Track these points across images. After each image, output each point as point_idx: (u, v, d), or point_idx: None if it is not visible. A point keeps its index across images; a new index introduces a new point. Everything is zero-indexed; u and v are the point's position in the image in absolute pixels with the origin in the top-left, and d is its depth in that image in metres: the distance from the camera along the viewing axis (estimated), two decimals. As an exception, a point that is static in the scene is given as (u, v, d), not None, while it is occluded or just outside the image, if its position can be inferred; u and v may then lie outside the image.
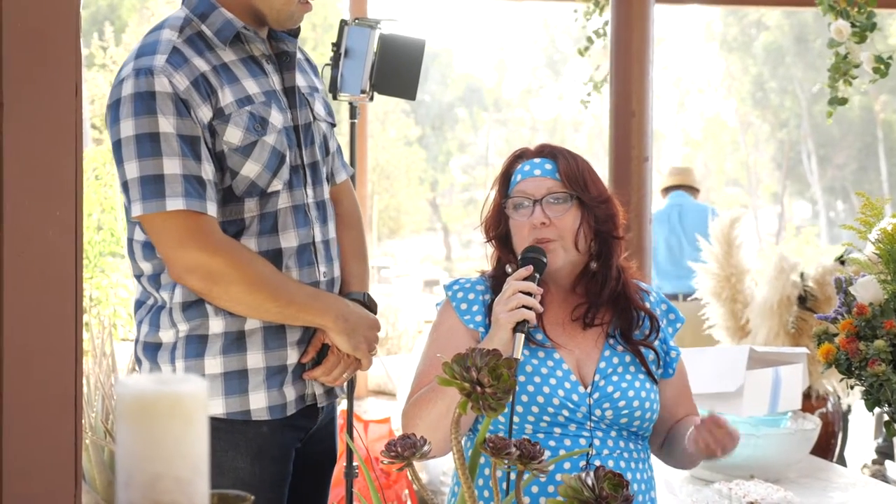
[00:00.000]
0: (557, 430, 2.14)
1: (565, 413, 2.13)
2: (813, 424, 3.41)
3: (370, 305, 2.29)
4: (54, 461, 1.68)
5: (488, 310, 2.22)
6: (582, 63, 6.29)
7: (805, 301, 4.51)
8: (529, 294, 2.07)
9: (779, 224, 32.10)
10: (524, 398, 2.13)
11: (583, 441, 2.13)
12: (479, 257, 34.91)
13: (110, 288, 8.18)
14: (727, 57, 34.27)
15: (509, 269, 2.21)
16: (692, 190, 6.94)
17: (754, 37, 32.46)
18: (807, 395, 4.37)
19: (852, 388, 2.40)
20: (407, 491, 4.29)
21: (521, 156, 2.31)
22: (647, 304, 2.30)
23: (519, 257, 2.19)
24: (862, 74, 4.27)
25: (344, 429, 2.95)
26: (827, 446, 4.47)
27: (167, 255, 2.05)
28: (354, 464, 2.95)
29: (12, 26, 1.63)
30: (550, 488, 2.08)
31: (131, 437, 0.80)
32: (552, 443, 2.12)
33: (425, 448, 1.57)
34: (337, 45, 2.94)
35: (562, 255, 2.20)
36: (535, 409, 2.13)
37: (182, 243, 2.01)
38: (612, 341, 2.23)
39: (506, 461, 1.51)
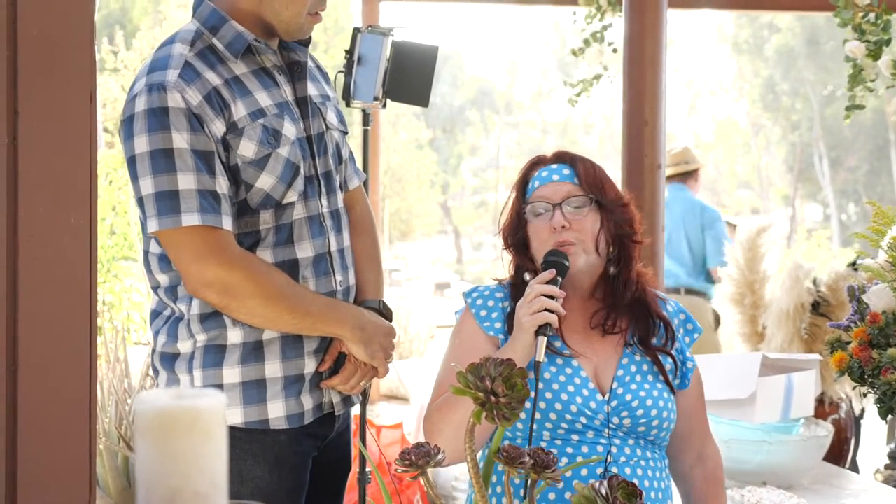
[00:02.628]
0: (575, 437, 2.14)
1: (583, 421, 2.13)
2: (826, 431, 3.40)
3: (385, 313, 2.29)
4: (69, 466, 1.69)
5: (508, 317, 2.22)
6: (585, 57, 6.25)
7: (818, 307, 4.49)
8: (552, 297, 2.08)
9: (790, 227, 32.00)
10: (542, 405, 2.13)
11: (600, 448, 2.13)
12: (490, 260, 34.93)
13: (124, 292, 8.19)
14: (739, 59, 34.19)
15: (528, 278, 2.21)
16: (688, 176, 6.34)
17: (766, 39, 32.39)
18: (819, 402, 4.36)
19: (865, 395, 2.39)
20: (419, 495, 4.29)
21: (537, 163, 2.31)
22: (664, 313, 2.30)
23: (541, 261, 2.19)
24: (880, 77, 4.30)
25: (356, 434, 2.95)
26: (840, 452, 4.45)
27: (184, 270, 2.05)
28: (367, 469, 2.95)
29: (27, 35, 1.64)
30: (568, 495, 2.08)
31: (150, 452, 0.80)
32: (570, 450, 2.12)
33: (439, 456, 1.57)
34: (350, 53, 2.95)
35: (583, 258, 2.20)
36: (552, 416, 2.13)
37: (198, 258, 2.01)
38: (630, 348, 2.23)
39: (519, 470, 1.51)
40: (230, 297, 2.04)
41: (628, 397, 2.16)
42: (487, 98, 37.31)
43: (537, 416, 2.12)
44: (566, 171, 2.24)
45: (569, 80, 6.51)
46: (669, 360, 2.24)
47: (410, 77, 2.97)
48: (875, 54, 4.13)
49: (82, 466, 1.70)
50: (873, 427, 6.22)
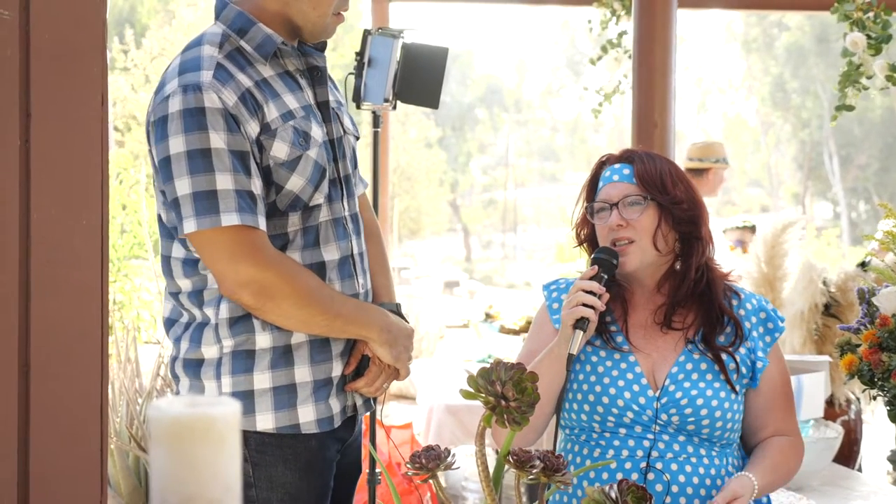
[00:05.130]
0: (623, 430, 2.18)
1: (630, 415, 2.17)
2: (835, 433, 3.40)
3: (402, 316, 2.31)
4: (80, 466, 1.70)
5: None
6: (602, 65, 6.20)
7: (828, 307, 4.47)
8: (593, 293, 2.14)
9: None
10: (591, 398, 2.19)
11: (646, 443, 2.17)
12: (499, 258, 34.93)
13: (134, 291, 8.21)
14: (748, 57, 34.16)
15: None
16: (696, 175, 5.79)
17: (776, 37, 32.34)
18: (829, 403, 4.34)
19: (874, 398, 2.39)
20: (429, 495, 4.30)
21: (605, 162, 2.36)
22: (741, 311, 2.29)
23: (591, 257, 2.26)
24: (874, 80, 4.28)
25: (366, 435, 2.96)
26: (849, 454, 4.44)
27: (220, 271, 2.04)
28: (377, 470, 2.95)
29: (39, 38, 1.65)
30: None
31: (166, 459, 0.81)
32: (616, 442, 2.17)
33: (449, 459, 1.57)
34: (360, 55, 2.95)
35: (639, 257, 2.23)
36: (600, 409, 2.18)
37: (235, 258, 2.00)
38: (691, 346, 2.24)
39: (530, 473, 1.52)
40: (266, 298, 2.03)
41: (678, 395, 2.18)
42: (496, 96, 37.33)
43: (586, 407, 2.19)
44: (626, 171, 2.28)
45: (589, 87, 6.44)
46: (732, 360, 2.24)
47: (420, 78, 2.98)
48: (877, 49, 4.11)
49: (94, 466, 1.70)
50: (884, 428, 6.22)
